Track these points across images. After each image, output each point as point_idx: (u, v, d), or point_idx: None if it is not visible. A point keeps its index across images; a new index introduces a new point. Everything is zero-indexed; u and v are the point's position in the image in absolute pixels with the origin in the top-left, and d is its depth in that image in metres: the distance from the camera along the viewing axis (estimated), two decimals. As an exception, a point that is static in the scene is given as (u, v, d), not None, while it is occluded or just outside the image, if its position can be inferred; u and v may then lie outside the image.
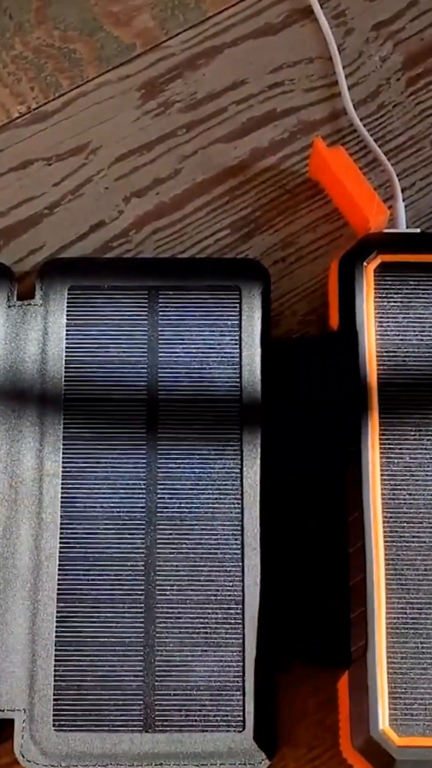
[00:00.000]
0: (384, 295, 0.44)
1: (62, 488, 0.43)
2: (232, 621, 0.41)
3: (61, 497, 0.42)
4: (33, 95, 0.50)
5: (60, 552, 0.42)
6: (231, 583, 0.41)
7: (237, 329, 0.44)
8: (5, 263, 0.46)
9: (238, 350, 0.44)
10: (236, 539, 0.42)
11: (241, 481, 0.43)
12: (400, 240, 0.45)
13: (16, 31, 0.51)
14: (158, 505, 0.42)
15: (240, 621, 0.41)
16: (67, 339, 0.44)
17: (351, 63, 0.51)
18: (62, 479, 0.43)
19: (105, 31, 0.52)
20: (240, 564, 0.42)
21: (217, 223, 0.48)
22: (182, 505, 0.42)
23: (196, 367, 0.44)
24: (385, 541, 0.41)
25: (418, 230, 0.46)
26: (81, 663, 0.41)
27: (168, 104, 0.50)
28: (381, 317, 0.44)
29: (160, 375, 0.44)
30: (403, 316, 0.44)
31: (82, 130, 0.50)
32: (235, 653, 0.41)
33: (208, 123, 0.50)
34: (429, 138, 0.50)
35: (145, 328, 0.44)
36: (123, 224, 0.48)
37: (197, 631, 0.41)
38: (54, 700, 0.40)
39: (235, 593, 0.41)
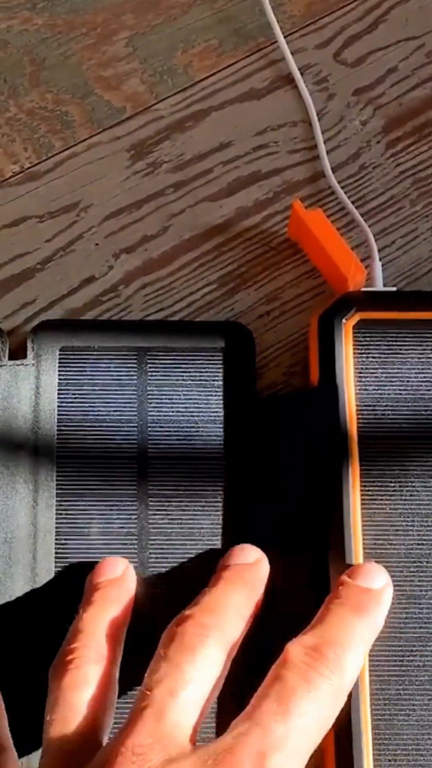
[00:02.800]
0: (363, 351, 0.45)
1: (56, 543, 0.43)
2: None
3: (55, 552, 0.43)
4: (26, 155, 0.52)
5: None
6: None
7: (222, 389, 0.46)
8: (-3, 321, 0.47)
9: (223, 409, 0.45)
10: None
11: (229, 535, 0.43)
12: (377, 298, 0.46)
13: (11, 94, 0.53)
14: (150, 558, 0.43)
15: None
16: (59, 398, 0.45)
17: (333, 126, 0.53)
18: (56, 534, 0.43)
19: (96, 94, 0.53)
20: None
21: (203, 279, 0.50)
22: (173, 559, 0.43)
23: (184, 424, 0.45)
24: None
25: (394, 289, 0.48)
26: None
27: (156, 165, 0.52)
28: (360, 373, 0.45)
29: (149, 432, 0.45)
30: (381, 371, 0.45)
31: (73, 189, 0.51)
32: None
33: (195, 183, 0.52)
34: (408, 198, 0.51)
35: (135, 388, 0.46)
36: (113, 279, 0.50)
37: None
38: None
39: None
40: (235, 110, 0.53)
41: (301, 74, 0.54)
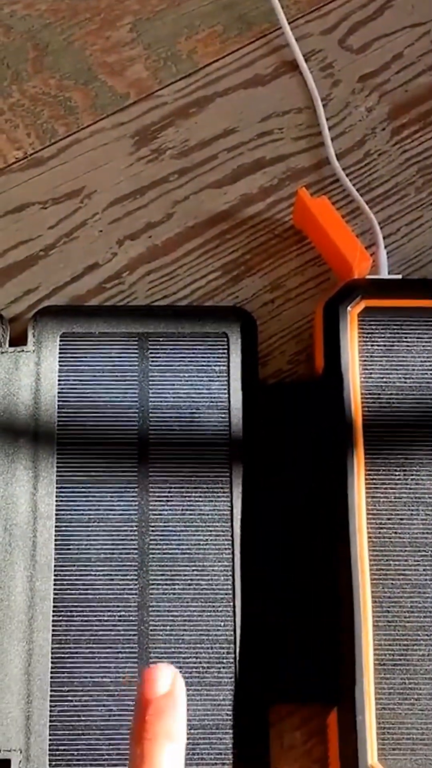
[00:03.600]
0: (368, 339, 0.45)
1: (56, 530, 0.43)
2: (224, 660, 0.42)
3: (55, 539, 0.43)
4: (29, 141, 0.52)
5: (54, 593, 0.42)
6: (222, 623, 0.42)
7: (225, 374, 0.45)
8: None
9: (226, 395, 0.45)
10: (227, 579, 0.43)
11: (231, 522, 0.43)
12: (382, 285, 0.46)
13: (14, 79, 0.53)
14: (150, 546, 0.43)
15: (232, 660, 0.42)
16: (59, 384, 0.45)
17: (338, 113, 0.52)
18: (56, 521, 0.43)
19: (100, 80, 0.53)
20: (231, 603, 0.42)
21: (207, 266, 0.50)
22: (174, 546, 0.43)
23: (186, 411, 0.45)
24: (372, 579, 0.41)
25: (399, 276, 0.48)
26: (76, 703, 0.41)
27: (161, 151, 0.52)
28: (365, 360, 0.45)
29: (150, 419, 0.45)
30: (386, 359, 0.45)
31: (77, 176, 0.51)
32: (227, 692, 0.41)
33: (200, 169, 0.51)
34: (413, 185, 0.51)
35: (136, 374, 0.45)
36: (116, 266, 0.49)
37: (190, 670, 0.41)
38: (50, 740, 0.41)
39: (227, 633, 0.42)
40: (239, 96, 0.53)
41: (306, 60, 0.53)
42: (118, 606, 0.42)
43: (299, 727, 0.42)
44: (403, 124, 0.52)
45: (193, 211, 0.51)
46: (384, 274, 0.48)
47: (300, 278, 0.49)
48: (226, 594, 0.42)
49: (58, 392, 0.45)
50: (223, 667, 0.41)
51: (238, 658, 0.41)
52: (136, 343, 0.46)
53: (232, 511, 0.43)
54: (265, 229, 0.50)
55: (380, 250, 0.48)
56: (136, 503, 0.43)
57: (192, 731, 0.41)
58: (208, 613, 0.42)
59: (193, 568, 0.43)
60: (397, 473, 0.43)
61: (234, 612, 0.42)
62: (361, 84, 0.53)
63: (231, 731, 0.41)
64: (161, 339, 0.46)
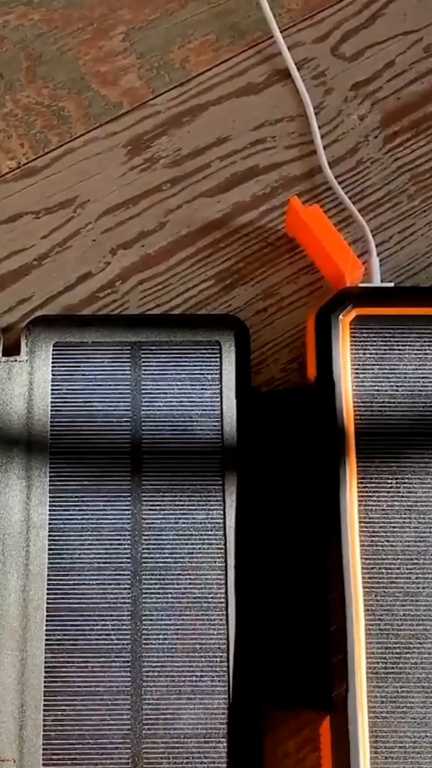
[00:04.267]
0: (360, 347, 0.45)
1: (49, 539, 0.43)
2: (218, 669, 0.42)
3: (48, 548, 0.43)
4: (23, 151, 0.52)
5: (47, 602, 0.42)
6: (216, 631, 0.42)
7: (218, 383, 0.46)
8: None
9: (219, 403, 0.45)
10: (220, 587, 0.43)
11: (224, 530, 0.43)
12: (374, 294, 0.46)
13: (7, 89, 0.53)
14: (143, 555, 0.43)
15: (225, 668, 0.42)
16: (52, 393, 0.45)
17: (330, 121, 0.53)
18: (49, 531, 0.43)
19: (93, 89, 0.53)
20: (224, 612, 0.42)
21: (200, 275, 0.50)
22: (166, 555, 0.43)
23: (179, 420, 0.45)
24: (364, 587, 0.41)
25: (391, 284, 0.48)
26: (69, 712, 0.41)
27: (153, 160, 0.52)
28: (357, 368, 0.45)
29: (143, 428, 0.45)
30: (378, 366, 0.45)
31: (70, 185, 0.51)
32: (220, 700, 0.41)
33: (193, 178, 0.52)
34: (406, 193, 0.51)
35: (128, 383, 0.45)
36: (109, 275, 0.50)
37: (183, 679, 0.41)
38: (43, 749, 0.41)
39: (220, 641, 0.42)
40: (232, 105, 0.53)
41: (299, 68, 0.53)
42: (111, 615, 0.42)
43: (293, 736, 0.42)
44: (396, 132, 0.53)
45: (186, 219, 0.51)
46: (376, 282, 0.48)
47: (293, 286, 0.49)
48: (219, 603, 0.42)
49: (51, 401, 0.45)
50: (217, 675, 0.41)
51: (231, 666, 0.41)
52: (128, 352, 0.46)
53: (225, 520, 0.43)
54: (257, 238, 0.50)
55: (372, 258, 0.48)
56: (129, 512, 0.44)
57: (186, 740, 0.41)
58: (201, 622, 0.42)
59: (186, 577, 0.43)
60: (389, 481, 0.43)
61: (227, 620, 0.42)
62: (354, 92, 0.53)
63: (225, 739, 0.41)
64: (154, 348, 0.46)
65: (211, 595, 0.43)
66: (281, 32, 0.54)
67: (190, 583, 0.43)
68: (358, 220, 0.50)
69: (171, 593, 0.43)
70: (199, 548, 0.43)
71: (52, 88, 0.53)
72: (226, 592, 0.43)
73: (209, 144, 0.52)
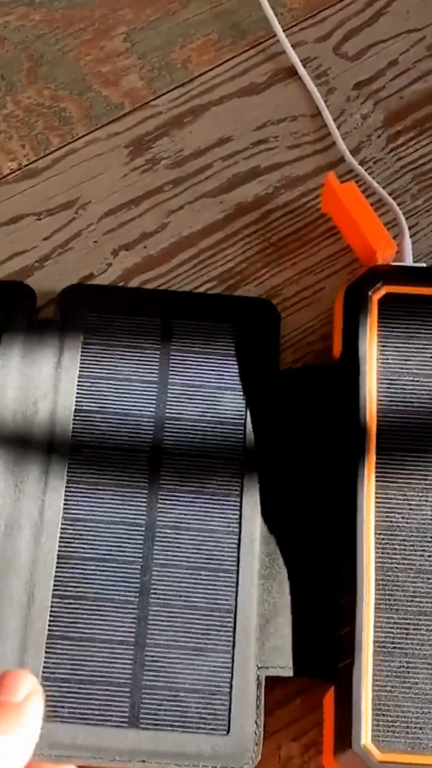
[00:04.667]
0: (387, 325, 0.45)
1: (66, 491, 0.43)
2: (224, 629, 0.41)
3: (64, 499, 0.43)
4: (24, 152, 0.52)
5: (59, 550, 0.42)
6: (225, 592, 0.42)
7: (247, 365, 0.46)
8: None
9: (245, 385, 0.45)
10: (232, 550, 0.43)
11: (241, 498, 0.43)
12: (406, 273, 0.46)
13: (8, 90, 0.53)
14: (159, 513, 0.43)
15: (231, 629, 0.41)
16: (81, 360, 0.45)
17: (333, 120, 0.52)
18: (66, 482, 0.43)
19: (94, 90, 0.53)
20: (235, 574, 0.42)
21: (203, 276, 0.49)
22: (182, 514, 0.43)
23: (205, 402, 0.45)
24: (377, 562, 0.41)
25: (424, 265, 0.47)
26: (71, 657, 0.41)
27: (155, 161, 0.52)
28: (383, 346, 0.44)
29: (168, 409, 0.45)
30: (404, 345, 0.44)
31: (71, 186, 0.51)
32: (225, 659, 0.41)
33: (195, 179, 0.51)
34: (409, 192, 0.51)
35: (157, 355, 0.46)
36: (111, 277, 0.49)
37: (188, 635, 0.41)
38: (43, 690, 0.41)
39: (228, 602, 0.42)
40: (234, 105, 0.53)
41: (302, 69, 0.53)
42: (121, 567, 0.42)
43: (297, 738, 0.42)
44: (399, 131, 0.52)
45: (188, 220, 0.50)
46: (408, 262, 0.48)
47: (296, 287, 0.49)
48: (230, 565, 0.42)
49: (80, 367, 0.45)
50: (222, 635, 0.41)
51: (236, 627, 0.41)
52: (159, 325, 0.46)
53: (242, 488, 0.43)
54: (260, 239, 0.50)
55: (405, 239, 0.48)
56: (146, 505, 0.43)
57: (185, 695, 0.41)
58: (211, 582, 0.42)
59: (200, 536, 0.43)
60: (408, 459, 0.43)
61: (237, 582, 0.42)
62: (356, 91, 0.53)
63: (225, 697, 0.41)
64: (185, 324, 0.46)
65: (223, 557, 0.42)
66: (284, 31, 0.53)
67: (203, 543, 0.43)
68: (389, 202, 0.49)
69: (183, 551, 0.42)
70: (216, 511, 0.43)
71: (54, 89, 0.53)
72: (238, 555, 0.43)
73: (211, 144, 0.52)
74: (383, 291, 0.45)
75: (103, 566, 0.42)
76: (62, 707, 0.41)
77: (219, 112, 0.53)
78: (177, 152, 0.52)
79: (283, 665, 0.41)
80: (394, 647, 0.40)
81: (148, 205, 0.51)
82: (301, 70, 0.53)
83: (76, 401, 0.45)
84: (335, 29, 0.54)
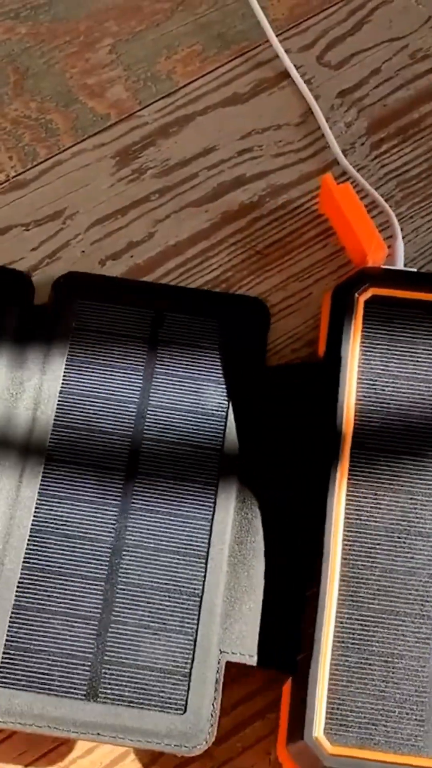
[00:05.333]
0: (372, 326, 0.45)
1: (45, 466, 0.44)
2: (189, 611, 0.42)
3: (43, 474, 0.44)
4: (11, 164, 0.52)
5: (33, 524, 0.43)
6: (192, 576, 0.43)
7: (233, 361, 0.46)
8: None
9: (229, 379, 0.46)
10: (204, 535, 0.43)
11: (217, 486, 0.44)
12: (393, 276, 0.47)
13: (-5, 103, 0.53)
14: (134, 493, 0.44)
15: (196, 612, 0.42)
16: (70, 348, 0.46)
17: (315, 130, 0.53)
18: (46, 459, 0.44)
19: (80, 102, 0.54)
20: (204, 560, 0.43)
21: (190, 284, 0.50)
22: (157, 496, 0.44)
23: (188, 394, 0.46)
24: (343, 558, 0.42)
25: (414, 269, 0.48)
26: (35, 627, 0.42)
27: (141, 171, 0.52)
28: (366, 347, 0.45)
29: (151, 398, 0.45)
30: (387, 348, 0.45)
31: (59, 197, 0.52)
32: (186, 641, 0.42)
33: (180, 188, 0.52)
34: (393, 199, 0.51)
35: (146, 347, 0.46)
36: (99, 286, 0.50)
37: (153, 615, 0.42)
38: (3, 657, 0.41)
39: (195, 586, 0.42)
40: (218, 115, 0.53)
41: (286, 77, 0.54)
42: (92, 545, 0.43)
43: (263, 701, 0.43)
44: (382, 139, 0.53)
45: (175, 229, 0.51)
46: (399, 265, 0.48)
47: (282, 293, 0.50)
48: (200, 550, 0.43)
49: (68, 355, 0.46)
50: (187, 617, 0.42)
51: (201, 611, 0.42)
52: (150, 318, 0.47)
53: (218, 476, 0.44)
54: (245, 247, 0.51)
55: (397, 242, 0.49)
56: (121, 490, 0.44)
57: (146, 672, 0.41)
58: (180, 565, 0.43)
59: (173, 519, 0.43)
60: (382, 457, 0.43)
61: (205, 568, 0.43)
62: (340, 99, 0.54)
63: (184, 678, 0.41)
64: (175, 317, 0.47)
65: (194, 542, 0.43)
66: (268, 41, 0.54)
67: (176, 527, 0.43)
68: (381, 204, 0.50)
69: (156, 533, 0.43)
70: (191, 498, 0.44)
71: (40, 101, 0.53)
72: (209, 541, 0.43)
73: (196, 154, 0.52)
74: (370, 293, 0.46)
75: (75, 543, 0.43)
76: (22, 676, 0.41)
77: (204, 122, 0.53)
78: (163, 162, 0.52)
79: (245, 653, 0.42)
80: (353, 643, 0.41)
81: (135, 214, 0.51)
82: (294, 73, 0.54)
83: (62, 384, 0.46)
84: (318, 38, 0.55)
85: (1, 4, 0.55)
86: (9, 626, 0.42)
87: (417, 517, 0.42)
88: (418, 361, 0.45)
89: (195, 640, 0.42)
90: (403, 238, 0.50)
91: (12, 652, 0.41)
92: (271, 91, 0.54)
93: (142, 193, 0.52)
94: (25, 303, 0.47)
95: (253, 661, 0.42)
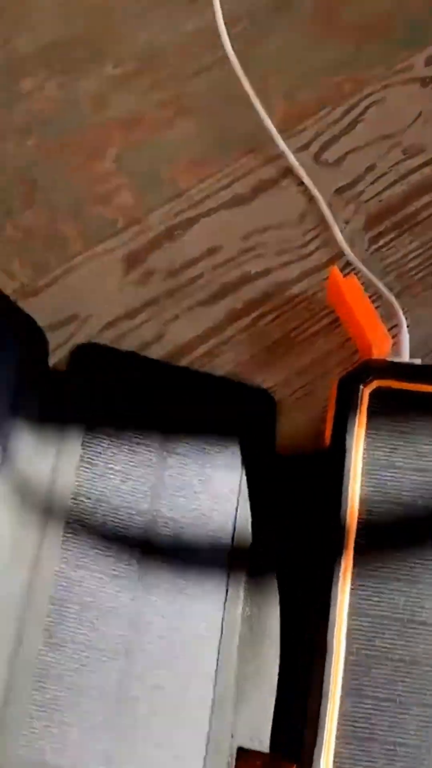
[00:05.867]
0: (376, 419, 0.46)
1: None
2: (201, 699, 0.43)
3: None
4: (24, 272, 0.54)
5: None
6: (206, 661, 0.43)
7: (244, 448, 0.48)
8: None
9: (241, 465, 0.47)
10: (216, 619, 0.44)
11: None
12: (397, 368, 0.48)
13: (7, 214, 0.56)
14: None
15: (210, 701, 0.43)
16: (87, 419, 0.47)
17: (316, 227, 0.55)
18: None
19: (88, 210, 0.56)
20: (216, 649, 0.43)
21: (200, 381, 0.51)
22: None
23: (199, 478, 0.47)
24: (347, 647, 0.42)
25: (419, 361, 0.49)
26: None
27: (149, 273, 0.54)
28: (371, 439, 0.46)
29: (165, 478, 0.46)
30: (392, 440, 0.46)
31: (70, 302, 0.53)
32: (200, 729, 0.42)
33: (188, 288, 0.54)
34: (393, 291, 0.53)
35: (159, 430, 0.47)
36: (112, 388, 0.51)
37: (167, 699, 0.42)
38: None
39: (208, 671, 0.43)
40: (221, 216, 0.55)
41: (284, 177, 0.56)
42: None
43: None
44: (380, 233, 0.55)
45: (184, 329, 0.53)
46: (405, 356, 0.49)
47: (287, 390, 0.51)
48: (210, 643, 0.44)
49: (86, 427, 0.47)
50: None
51: (215, 702, 0.42)
52: (159, 400, 0.49)
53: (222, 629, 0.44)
54: (253, 342, 0.52)
55: (403, 334, 0.50)
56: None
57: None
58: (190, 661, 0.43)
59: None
60: (387, 550, 0.44)
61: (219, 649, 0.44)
62: (338, 196, 0.56)
63: None
64: (183, 406, 0.49)
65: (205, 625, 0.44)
66: (265, 144, 0.56)
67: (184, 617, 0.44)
68: (386, 296, 0.52)
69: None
70: (200, 586, 0.45)
71: (50, 211, 0.56)
72: (221, 629, 0.44)
73: (201, 255, 0.54)
74: (374, 385, 0.47)
75: (87, 653, 0.43)
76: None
77: (208, 224, 0.55)
78: (170, 264, 0.54)
79: (255, 739, 0.42)
80: (355, 731, 0.41)
81: (145, 316, 0.53)
82: (299, 170, 0.56)
83: (80, 456, 0.46)
84: (314, 139, 0.57)
85: (11, 121, 0.58)
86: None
87: (420, 607, 0.43)
88: (421, 452, 0.46)
89: (208, 737, 0.42)
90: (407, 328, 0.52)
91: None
92: (271, 192, 0.56)
93: (151, 295, 0.54)
94: (43, 364, 0.49)
95: (264, 747, 0.42)
